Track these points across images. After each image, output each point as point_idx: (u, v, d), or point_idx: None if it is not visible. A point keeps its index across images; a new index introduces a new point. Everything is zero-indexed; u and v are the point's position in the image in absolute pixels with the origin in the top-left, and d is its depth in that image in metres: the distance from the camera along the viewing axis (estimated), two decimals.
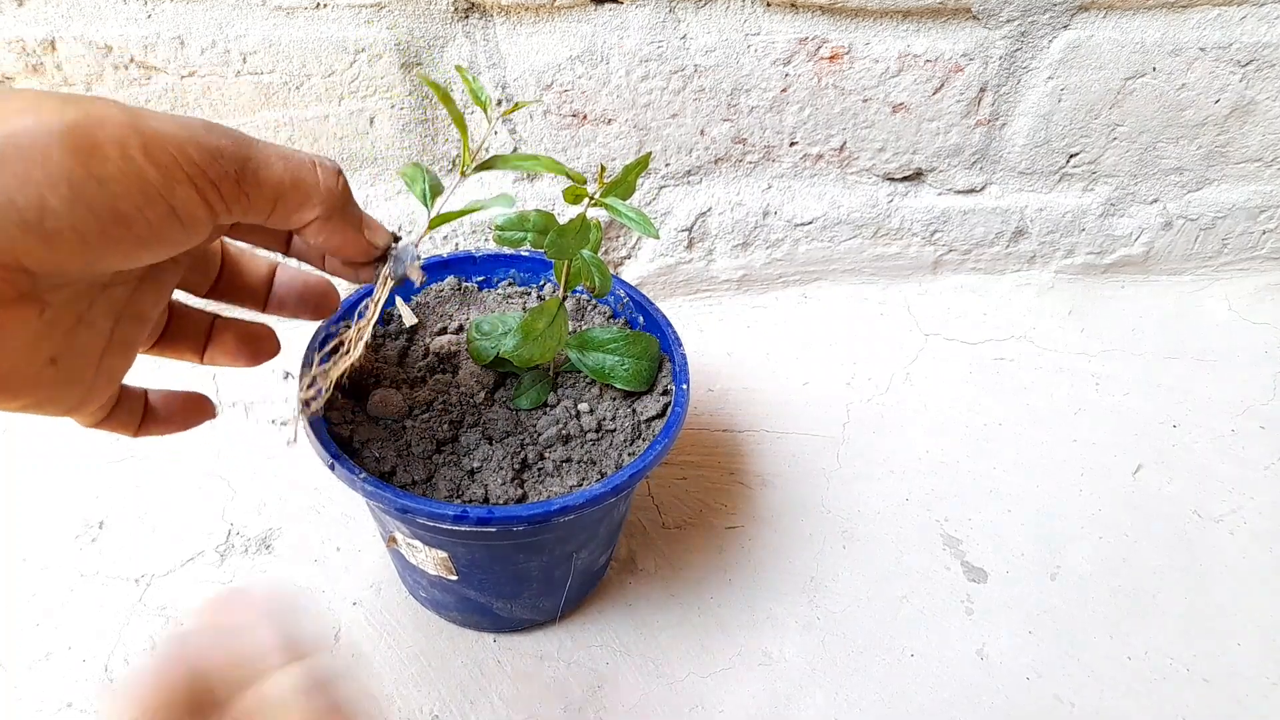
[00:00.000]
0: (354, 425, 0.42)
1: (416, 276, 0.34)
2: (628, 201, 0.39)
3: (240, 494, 0.57)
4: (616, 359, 0.44)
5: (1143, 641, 0.52)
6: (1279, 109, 0.65)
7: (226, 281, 0.34)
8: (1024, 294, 0.75)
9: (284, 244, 0.33)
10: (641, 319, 0.49)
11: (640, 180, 0.66)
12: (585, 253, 0.42)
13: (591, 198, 0.39)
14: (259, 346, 0.35)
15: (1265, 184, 0.71)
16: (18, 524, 0.55)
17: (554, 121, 0.62)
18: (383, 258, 0.33)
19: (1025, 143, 0.66)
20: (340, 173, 0.29)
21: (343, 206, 0.30)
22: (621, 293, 0.50)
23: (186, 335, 0.33)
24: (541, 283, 0.52)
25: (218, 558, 0.53)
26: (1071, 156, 0.68)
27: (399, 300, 0.48)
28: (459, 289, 0.51)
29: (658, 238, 0.41)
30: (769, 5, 0.58)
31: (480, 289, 0.51)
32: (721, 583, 0.54)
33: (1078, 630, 0.52)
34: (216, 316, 0.34)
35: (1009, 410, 0.66)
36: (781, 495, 0.59)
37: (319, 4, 0.55)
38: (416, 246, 0.34)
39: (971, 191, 0.70)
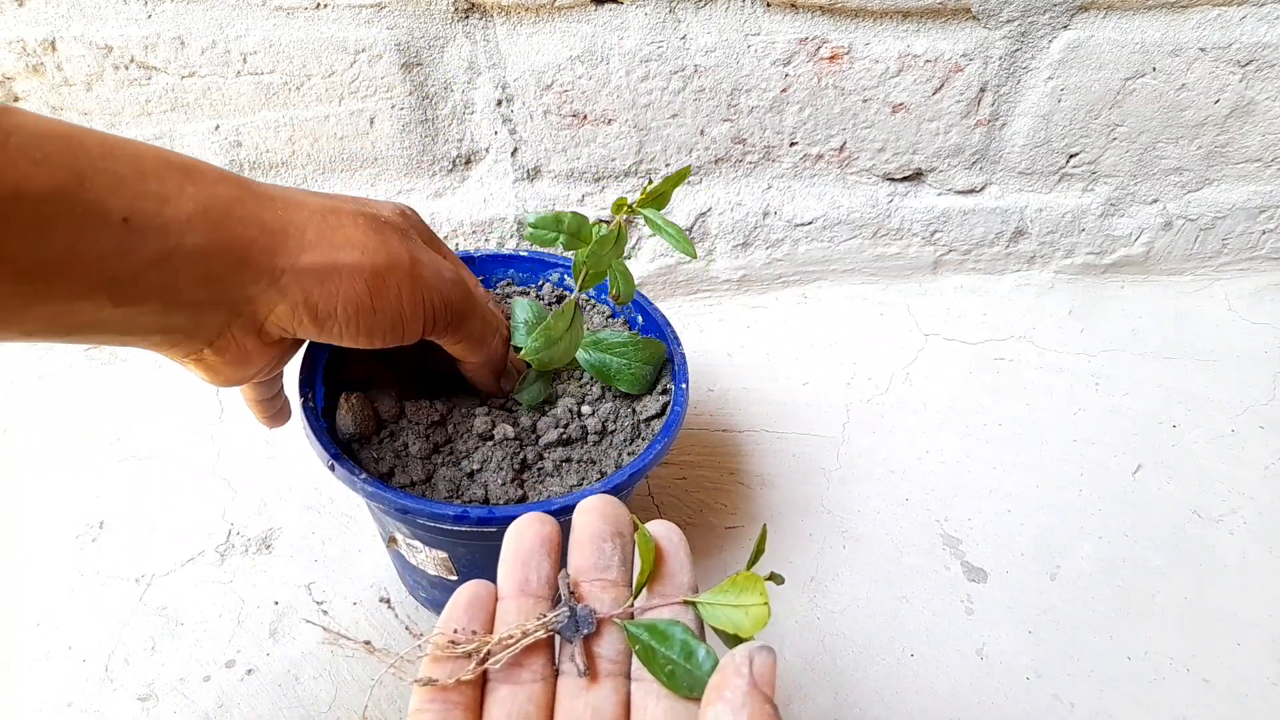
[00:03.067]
0: None
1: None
2: (663, 212, 0.39)
3: (240, 494, 0.57)
4: (623, 362, 0.44)
5: (1142, 641, 0.52)
6: (1279, 109, 0.65)
7: None
8: (1024, 294, 0.75)
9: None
10: (641, 318, 0.49)
11: (640, 180, 0.66)
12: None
13: (632, 208, 0.39)
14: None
15: (1265, 184, 0.71)
16: (18, 524, 0.55)
17: (554, 121, 0.62)
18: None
19: (1025, 143, 0.66)
20: (508, 341, 0.43)
21: (492, 363, 0.41)
22: None
23: None
24: (540, 282, 0.52)
25: (218, 558, 0.53)
26: (1071, 157, 0.68)
27: None
28: None
29: (695, 257, 0.41)
30: (769, 5, 0.58)
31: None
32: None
33: (1077, 630, 0.52)
34: None
35: (1009, 410, 0.66)
36: (781, 495, 0.59)
37: (319, 4, 0.55)
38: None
39: (971, 192, 0.70)
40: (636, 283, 0.73)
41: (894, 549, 0.56)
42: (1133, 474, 0.62)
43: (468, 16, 0.57)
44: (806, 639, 0.51)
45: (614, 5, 0.57)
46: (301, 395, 0.41)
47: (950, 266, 0.75)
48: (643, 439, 0.43)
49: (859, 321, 0.73)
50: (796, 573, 0.54)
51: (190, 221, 0.28)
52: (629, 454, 0.42)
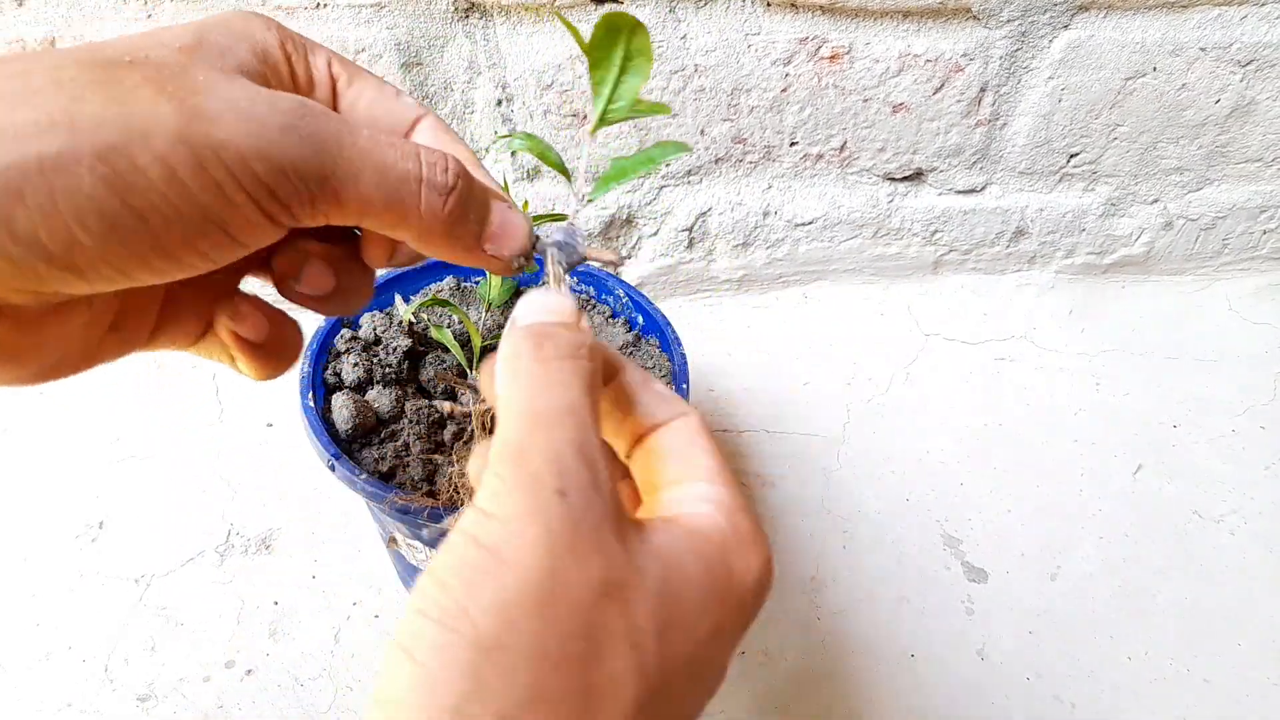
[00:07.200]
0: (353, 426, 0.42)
1: (605, 256, 0.28)
2: None
3: (240, 494, 0.57)
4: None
5: (1143, 642, 0.51)
6: (1279, 109, 0.65)
7: None
8: (1024, 294, 0.75)
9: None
10: (641, 319, 0.49)
11: (640, 180, 0.66)
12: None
13: None
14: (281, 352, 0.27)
15: (1265, 184, 0.71)
16: (18, 524, 0.55)
17: (554, 121, 0.62)
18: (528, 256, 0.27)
19: (1026, 143, 0.66)
20: (455, 189, 0.24)
21: (447, 230, 0.24)
22: (621, 292, 0.50)
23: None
24: (542, 282, 0.52)
25: (218, 558, 0.53)
26: (1072, 156, 0.68)
27: (398, 298, 0.48)
28: (458, 288, 0.51)
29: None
30: (769, 5, 0.58)
31: (479, 288, 0.51)
32: None
33: (1078, 631, 0.52)
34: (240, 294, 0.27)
35: (1009, 410, 0.66)
36: (782, 495, 0.59)
37: (319, 4, 0.55)
38: (574, 225, 0.28)
39: (972, 191, 0.70)
40: (636, 283, 0.73)
41: (894, 549, 0.56)
42: (1133, 474, 0.62)
43: (467, 16, 0.57)
44: (806, 640, 0.51)
45: (614, 5, 0.57)
46: (302, 395, 0.41)
47: (951, 266, 0.75)
48: None
49: (859, 321, 0.73)
50: (796, 573, 0.54)
51: None
52: None
